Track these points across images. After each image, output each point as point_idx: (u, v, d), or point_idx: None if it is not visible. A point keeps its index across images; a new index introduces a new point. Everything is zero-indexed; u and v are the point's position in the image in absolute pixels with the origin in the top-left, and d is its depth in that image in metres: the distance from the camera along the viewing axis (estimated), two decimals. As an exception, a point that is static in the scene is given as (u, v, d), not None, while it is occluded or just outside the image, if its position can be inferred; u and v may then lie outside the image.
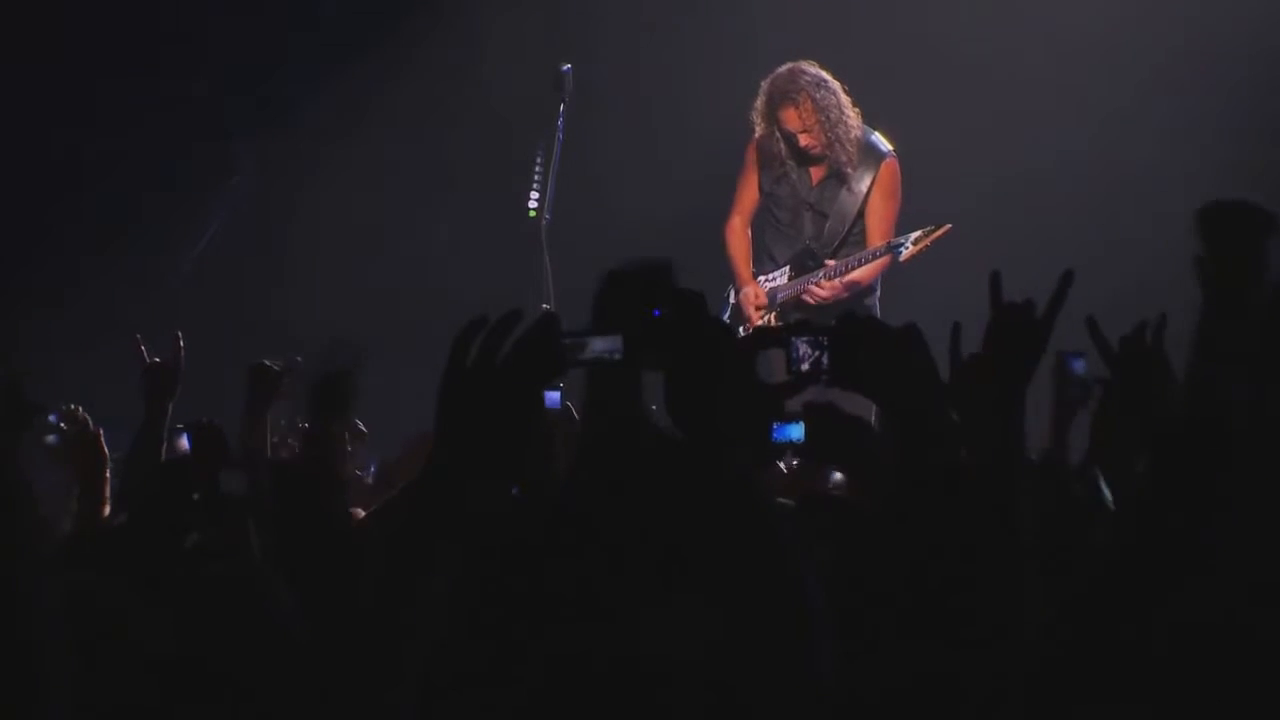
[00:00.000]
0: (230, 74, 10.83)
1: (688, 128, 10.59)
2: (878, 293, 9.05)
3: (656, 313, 2.76)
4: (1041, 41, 10.62)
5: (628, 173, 10.58)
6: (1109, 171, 10.63)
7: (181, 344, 5.91)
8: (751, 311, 8.96)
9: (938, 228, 8.72)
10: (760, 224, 9.15)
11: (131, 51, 10.62)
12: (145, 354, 5.91)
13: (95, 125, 10.64)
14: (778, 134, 8.88)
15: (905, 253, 8.70)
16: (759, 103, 8.93)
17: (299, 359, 5.88)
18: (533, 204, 9.16)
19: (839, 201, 8.91)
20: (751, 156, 9.09)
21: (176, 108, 10.68)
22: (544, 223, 9.13)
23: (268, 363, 5.81)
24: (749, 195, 9.14)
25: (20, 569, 1.93)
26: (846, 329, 3.15)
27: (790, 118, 8.82)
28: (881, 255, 8.79)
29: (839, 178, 8.90)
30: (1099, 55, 10.59)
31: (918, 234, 8.73)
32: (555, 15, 10.98)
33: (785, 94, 8.81)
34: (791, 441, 3.28)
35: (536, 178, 9.17)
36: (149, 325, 10.06)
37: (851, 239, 8.97)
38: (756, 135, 9.01)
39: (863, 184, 8.90)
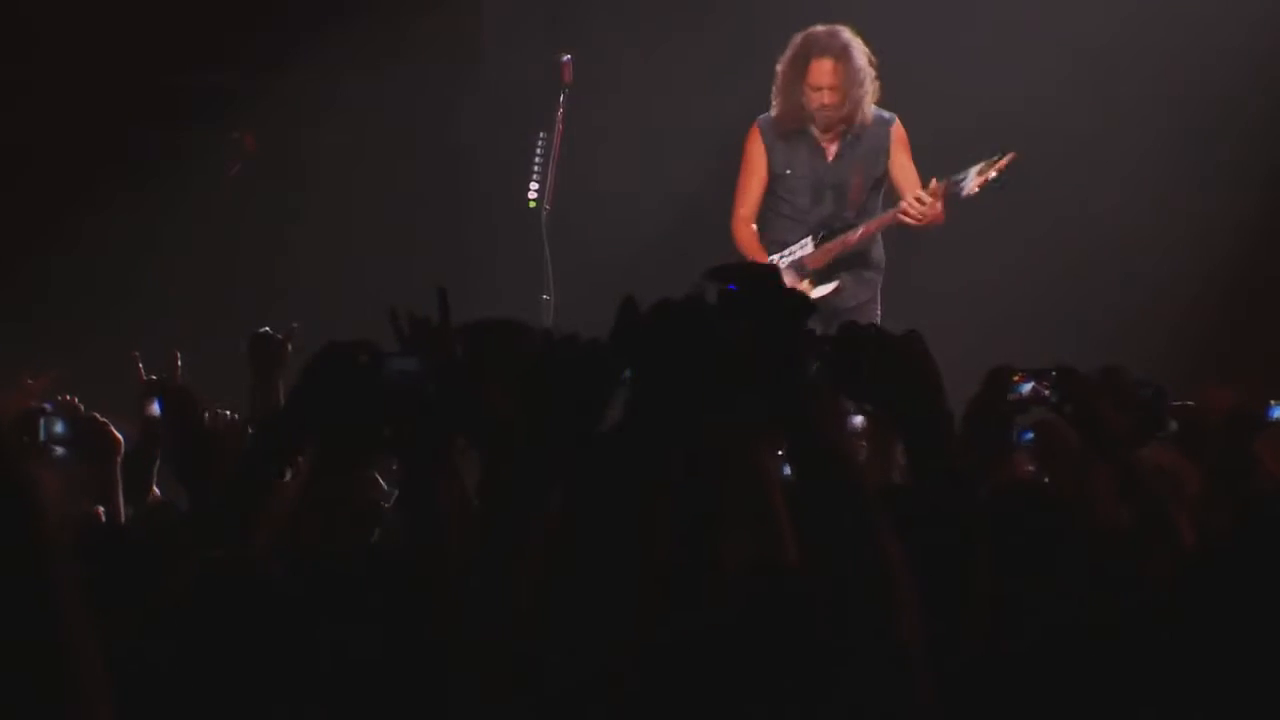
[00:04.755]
0: (226, 61, 10.80)
1: (688, 116, 10.57)
2: (881, 274, 8.96)
3: (732, 286, 2.77)
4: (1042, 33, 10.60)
5: (628, 162, 10.56)
6: (1108, 163, 10.61)
7: (180, 363, 5.80)
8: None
9: (1001, 155, 8.58)
10: (766, 216, 9.00)
11: (125, 37, 10.60)
12: (142, 371, 5.78)
13: (93, 119, 10.62)
14: (802, 102, 8.78)
15: (968, 187, 8.57)
16: (787, 56, 8.78)
17: (295, 325, 5.79)
18: (533, 194, 9.14)
19: (858, 168, 8.82)
20: (756, 146, 8.97)
21: (173, 95, 10.65)
22: (544, 212, 9.11)
23: (268, 330, 5.68)
24: (755, 186, 8.95)
25: (40, 556, 1.92)
26: (848, 339, 3.13)
27: (823, 70, 8.69)
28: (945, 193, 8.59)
29: (852, 149, 8.82)
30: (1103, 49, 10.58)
31: (980, 165, 8.60)
32: (555, 3, 10.95)
33: (826, 46, 8.70)
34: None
35: (537, 167, 9.15)
36: (145, 317, 10.08)
37: (871, 203, 8.87)
38: (774, 113, 8.88)
39: (878, 146, 8.82)
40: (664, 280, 3.65)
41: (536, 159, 9.14)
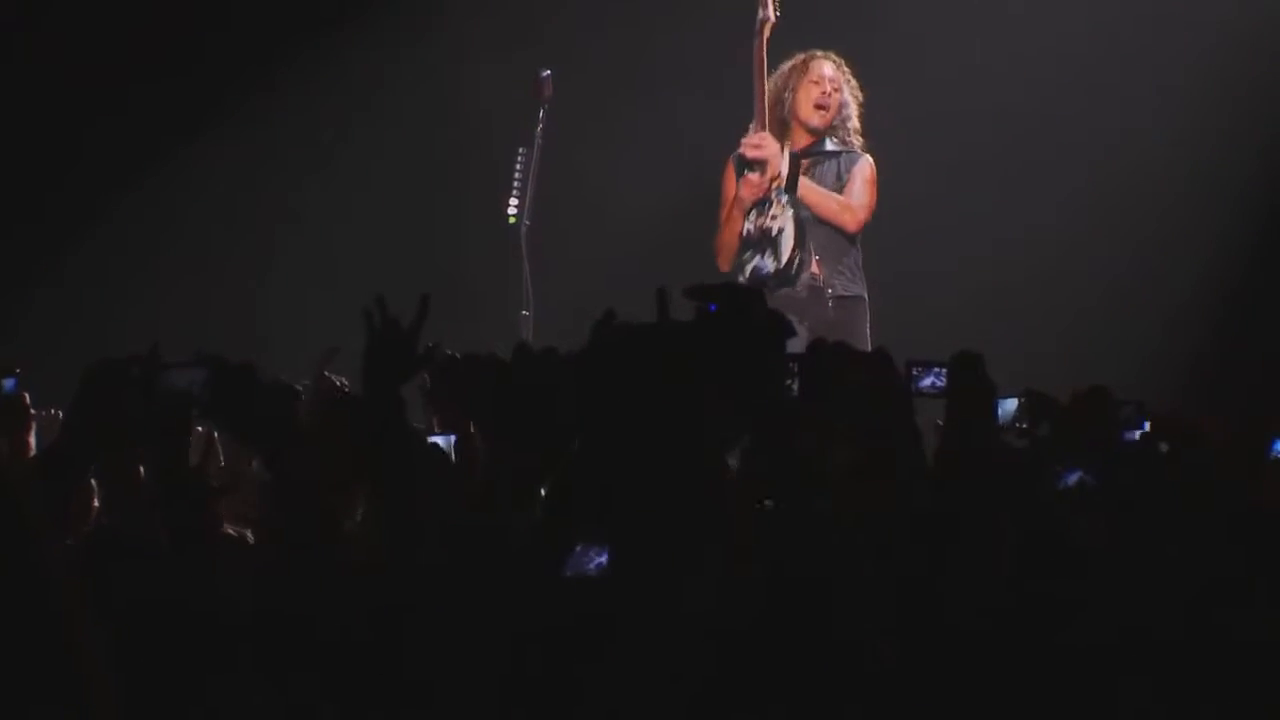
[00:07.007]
0: (210, 73, 10.78)
1: (668, 133, 10.57)
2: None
3: (713, 307, 2.78)
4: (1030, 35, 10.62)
5: (608, 178, 10.55)
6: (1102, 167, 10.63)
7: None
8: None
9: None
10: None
11: (119, 45, 10.59)
12: None
13: (88, 122, 10.61)
14: (793, 107, 8.74)
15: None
16: (785, 67, 8.78)
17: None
18: (512, 209, 9.13)
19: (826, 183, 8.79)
20: (730, 176, 8.92)
21: (156, 106, 10.63)
22: (524, 228, 9.09)
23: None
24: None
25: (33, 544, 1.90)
26: (817, 355, 3.16)
27: (825, 69, 8.73)
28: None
29: (816, 167, 8.76)
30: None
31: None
32: (534, 18, 10.94)
33: (828, 56, 8.77)
34: None
35: (516, 183, 9.14)
36: (127, 327, 10.04)
37: (827, 239, 8.79)
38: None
39: (841, 170, 8.78)
40: (643, 296, 3.63)
41: (516, 174, 9.12)
